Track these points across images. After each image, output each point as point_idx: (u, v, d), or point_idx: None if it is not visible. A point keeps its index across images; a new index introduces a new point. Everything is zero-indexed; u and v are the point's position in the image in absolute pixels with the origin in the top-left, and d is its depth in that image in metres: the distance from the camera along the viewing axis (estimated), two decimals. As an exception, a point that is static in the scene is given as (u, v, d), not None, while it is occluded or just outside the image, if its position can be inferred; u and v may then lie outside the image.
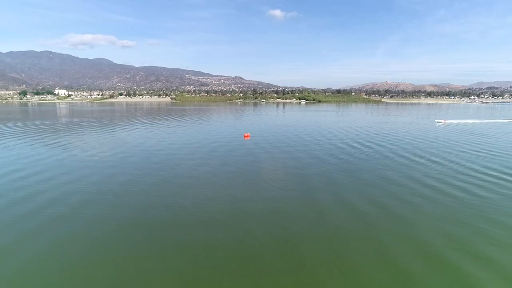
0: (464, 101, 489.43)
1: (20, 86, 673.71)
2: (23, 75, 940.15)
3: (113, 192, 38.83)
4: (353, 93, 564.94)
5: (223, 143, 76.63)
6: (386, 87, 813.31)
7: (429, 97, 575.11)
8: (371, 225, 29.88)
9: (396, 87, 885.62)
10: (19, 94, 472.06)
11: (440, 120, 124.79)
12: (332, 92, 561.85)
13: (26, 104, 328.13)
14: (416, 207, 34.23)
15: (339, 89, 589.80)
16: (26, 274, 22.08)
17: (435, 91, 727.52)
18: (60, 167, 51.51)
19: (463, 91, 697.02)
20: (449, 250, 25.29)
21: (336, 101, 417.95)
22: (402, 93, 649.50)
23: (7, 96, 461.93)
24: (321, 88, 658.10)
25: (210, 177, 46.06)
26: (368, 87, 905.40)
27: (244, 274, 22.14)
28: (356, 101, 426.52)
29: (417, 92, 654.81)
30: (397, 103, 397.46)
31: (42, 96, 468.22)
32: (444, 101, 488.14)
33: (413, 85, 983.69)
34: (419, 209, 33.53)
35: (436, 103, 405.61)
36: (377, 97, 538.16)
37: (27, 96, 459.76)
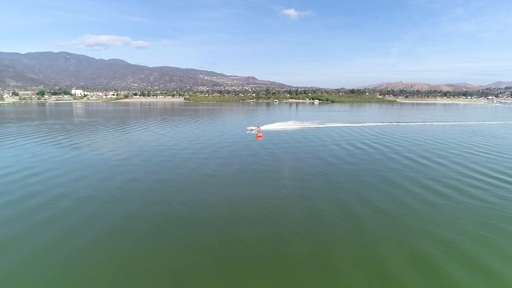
0: (482, 101, 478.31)
1: (38, 86, 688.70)
2: (41, 75, 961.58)
3: (122, 192, 39.56)
4: (367, 93, 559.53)
5: (236, 143, 77.24)
6: (401, 87, 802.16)
7: (445, 97, 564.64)
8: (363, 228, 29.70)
9: (411, 87, 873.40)
10: (37, 94, 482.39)
11: (252, 128, 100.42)
12: (345, 92, 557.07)
13: (43, 104, 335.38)
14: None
15: (352, 89, 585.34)
16: (32, 265, 22.70)
17: (451, 91, 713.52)
18: (71, 166, 52.76)
19: (481, 91, 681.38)
20: (442, 256, 24.67)
21: (350, 101, 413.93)
22: (417, 93, 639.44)
23: (25, 96, 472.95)
24: (335, 88, 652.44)
25: (217, 178, 46.47)
26: (382, 87, 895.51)
27: (238, 273, 22.52)
28: (370, 101, 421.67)
29: (433, 92, 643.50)
30: (412, 103, 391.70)
31: (59, 96, 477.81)
32: (461, 101, 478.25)
33: (429, 85, 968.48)
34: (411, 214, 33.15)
35: (452, 103, 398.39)
36: (391, 97, 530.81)
37: (45, 96, 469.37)
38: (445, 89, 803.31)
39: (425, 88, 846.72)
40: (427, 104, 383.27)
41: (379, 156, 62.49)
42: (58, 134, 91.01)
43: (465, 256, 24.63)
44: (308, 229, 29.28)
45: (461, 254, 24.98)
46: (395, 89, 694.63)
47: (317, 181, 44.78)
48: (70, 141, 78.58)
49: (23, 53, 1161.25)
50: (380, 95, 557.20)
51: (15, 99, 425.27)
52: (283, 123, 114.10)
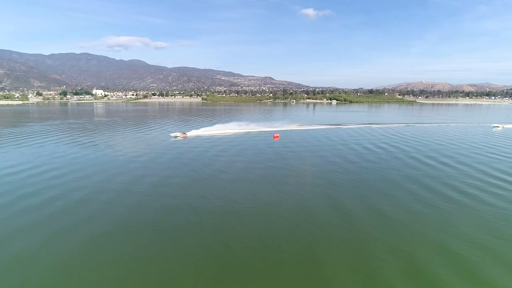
0: (506, 101, 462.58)
1: (60, 86, 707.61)
2: (63, 76, 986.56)
3: (139, 192, 40.32)
4: (386, 93, 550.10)
5: (245, 142, 78.70)
6: (421, 87, 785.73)
7: (467, 98, 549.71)
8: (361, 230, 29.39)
9: (431, 87, 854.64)
10: (60, 94, 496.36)
11: (177, 134, 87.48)
12: (364, 92, 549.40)
13: (66, 104, 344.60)
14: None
15: (371, 89, 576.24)
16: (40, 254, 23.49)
17: (474, 91, 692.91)
18: (91, 165, 54.30)
19: (505, 91, 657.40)
20: (437, 262, 23.91)
21: (368, 101, 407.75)
22: (438, 93, 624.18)
23: (49, 96, 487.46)
24: (353, 88, 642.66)
25: (226, 176, 46.88)
26: (402, 87, 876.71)
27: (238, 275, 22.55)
28: (389, 102, 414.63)
29: (455, 92, 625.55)
30: (433, 104, 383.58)
31: (80, 96, 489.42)
32: (484, 101, 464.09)
33: (450, 85, 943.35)
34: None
35: (475, 104, 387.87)
36: (411, 98, 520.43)
37: (67, 96, 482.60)
38: (467, 89, 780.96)
39: (446, 88, 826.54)
40: (448, 104, 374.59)
41: (386, 157, 61.85)
42: (78, 133, 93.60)
43: (466, 264, 23.75)
44: (309, 232, 29.14)
45: (463, 261, 24.15)
46: (415, 89, 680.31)
47: (320, 182, 44.72)
48: (89, 139, 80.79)
49: (46, 54, 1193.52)
50: (399, 95, 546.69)
51: (39, 99, 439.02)
52: (211, 128, 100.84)
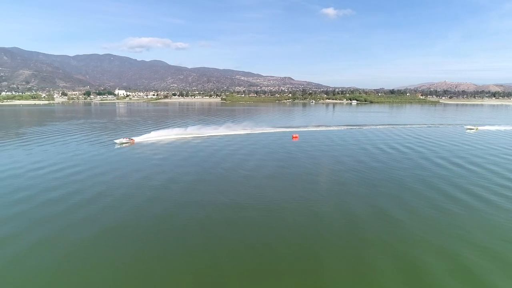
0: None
1: (84, 86, 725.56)
2: (87, 76, 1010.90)
3: (151, 188, 41.05)
4: (407, 94, 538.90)
5: (260, 141, 79.32)
6: (445, 87, 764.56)
7: (493, 98, 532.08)
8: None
9: (455, 87, 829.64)
10: (84, 94, 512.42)
11: (123, 140, 76.33)
12: (385, 93, 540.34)
13: (89, 104, 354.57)
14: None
15: (392, 90, 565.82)
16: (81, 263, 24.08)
17: (500, 91, 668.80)
18: (109, 162, 56.14)
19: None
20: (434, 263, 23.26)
21: (389, 102, 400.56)
22: (463, 93, 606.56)
23: (73, 96, 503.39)
24: (374, 88, 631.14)
25: (243, 180, 46.85)
26: (424, 87, 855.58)
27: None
28: (411, 102, 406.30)
29: (480, 93, 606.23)
30: (457, 104, 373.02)
31: (103, 96, 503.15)
32: (511, 102, 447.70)
33: (475, 85, 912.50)
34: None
35: (502, 105, 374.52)
36: (434, 98, 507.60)
37: (91, 96, 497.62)
38: (493, 89, 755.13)
39: (471, 89, 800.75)
40: (473, 105, 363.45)
41: (400, 158, 60.64)
42: (100, 132, 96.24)
43: (471, 269, 22.91)
44: (315, 232, 29.04)
45: (468, 266, 23.31)
46: (438, 90, 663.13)
47: (332, 183, 44.22)
48: (109, 138, 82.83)
49: (71, 55, 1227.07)
50: (422, 95, 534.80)
51: (64, 99, 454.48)
52: (163, 132, 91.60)
